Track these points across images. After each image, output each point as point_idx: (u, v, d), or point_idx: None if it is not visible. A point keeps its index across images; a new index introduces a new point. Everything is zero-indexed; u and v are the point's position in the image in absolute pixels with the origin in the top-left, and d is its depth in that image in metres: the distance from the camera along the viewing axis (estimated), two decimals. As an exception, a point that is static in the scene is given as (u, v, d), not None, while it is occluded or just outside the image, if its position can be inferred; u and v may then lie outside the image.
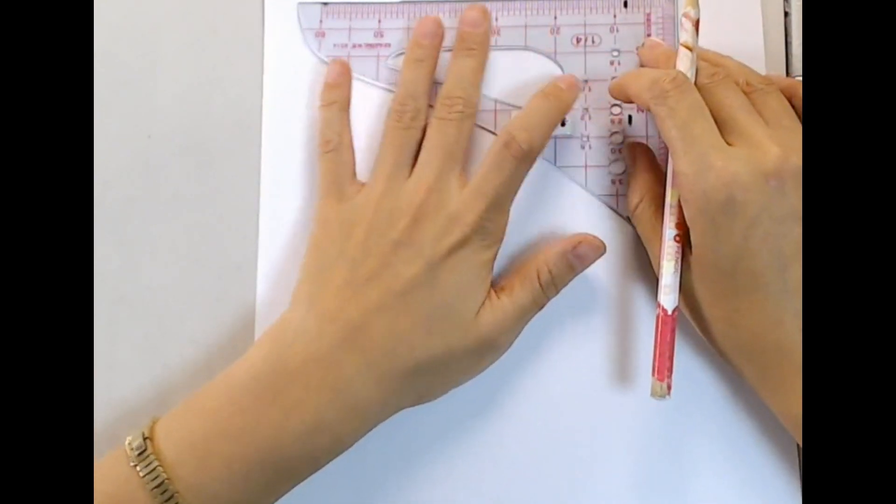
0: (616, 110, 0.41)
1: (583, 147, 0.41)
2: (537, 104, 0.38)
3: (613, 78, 0.41)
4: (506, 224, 0.37)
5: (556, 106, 0.38)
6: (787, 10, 0.42)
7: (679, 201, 0.36)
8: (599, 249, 0.38)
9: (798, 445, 0.38)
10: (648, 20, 0.42)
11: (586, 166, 0.41)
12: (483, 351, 0.37)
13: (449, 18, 0.42)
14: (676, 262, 0.36)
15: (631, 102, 0.39)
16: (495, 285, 0.38)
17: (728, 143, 0.35)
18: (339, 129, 0.40)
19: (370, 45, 0.42)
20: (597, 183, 0.41)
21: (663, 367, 0.36)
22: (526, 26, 0.42)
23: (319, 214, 0.39)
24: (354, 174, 0.40)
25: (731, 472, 0.39)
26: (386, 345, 0.35)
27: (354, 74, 0.42)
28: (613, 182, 0.41)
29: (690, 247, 0.36)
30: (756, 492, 0.38)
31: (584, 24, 0.42)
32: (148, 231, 0.42)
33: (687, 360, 0.39)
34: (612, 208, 0.41)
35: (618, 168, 0.41)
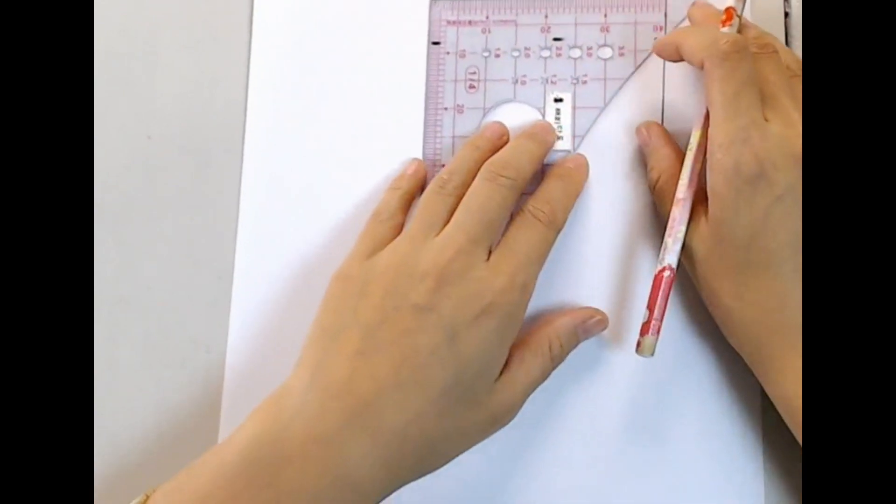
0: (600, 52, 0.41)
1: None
2: (554, 183, 0.38)
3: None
4: (529, 298, 0.36)
5: (572, 184, 0.39)
6: (787, 10, 0.42)
7: (699, 168, 0.37)
8: (604, 323, 0.38)
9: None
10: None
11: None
12: (493, 423, 0.35)
13: (502, 14, 0.42)
14: (684, 226, 0.37)
15: (677, 60, 0.39)
16: None
17: (764, 117, 0.35)
18: (393, 210, 0.39)
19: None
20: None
21: (658, 324, 0.36)
22: (576, 23, 0.42)
23: (341, 270, 0.37)
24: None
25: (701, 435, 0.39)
26: (397, 426, 0.32)
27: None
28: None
29: (707, 216, 0.36)
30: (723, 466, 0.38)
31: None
32: (148, 231, 0.42)
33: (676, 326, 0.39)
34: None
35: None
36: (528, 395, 0.36)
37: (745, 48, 0.35)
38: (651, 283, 0.37)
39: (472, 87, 0.42)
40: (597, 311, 0.38)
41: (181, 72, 0.43)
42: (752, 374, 0.37)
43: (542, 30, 0.42)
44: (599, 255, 0.40)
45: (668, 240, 0.37)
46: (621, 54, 0.42)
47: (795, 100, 0.36)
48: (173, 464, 0.33)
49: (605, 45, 0.42)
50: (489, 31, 0.42)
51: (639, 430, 0.39)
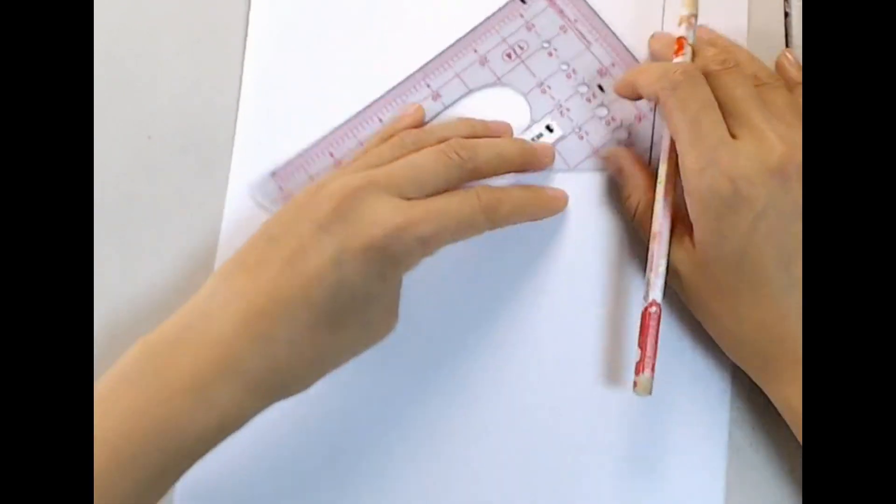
0: (584, 89, 0.42)
1: (581, 137, 0.41)
2: (517, 189, 0.38)
3: (563, 67, 0.41)
4: (427, 253, 0.35)
5: (534, 198, 0.39)
6: (787, 10, 0.42)
7: (672, 200, 0.37)
8: (562, 203, 0.39)
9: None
10: (552, 1, 0.42)
11: (595, 150, 0.41)
12: (378, 334, 0.36)
13: (391, 110, 0.42)
14: (664, 260, 0.37)
15: (637, 98, 0.39)
16: None
17: (733, 134, 0.35)
18: (368, 146, 0.39)
19: None
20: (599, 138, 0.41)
21: (652, 361, 0.36)
22: (457, 74, 0.42)
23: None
24: None
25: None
26: (287, 339, 0.33)
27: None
28: (619, 143, 0.41)
29: (692, 241, 0.36)
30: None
31: (504, 40, 0.42)
32: (148, 231, 0.42)
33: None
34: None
35: (622, 134, 0.41)
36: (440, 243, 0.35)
37: (695, 75, 0.36)
38: (639, 321, 0.36)
39: (508, 55, 0.42)
40: (559, 190, 0.39)
41: (181, 72, 0.43)
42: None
43: (600, 72, 0.42)
44: (582, 289, 0.40)
45: (651, 275, 0.37)
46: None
47: (764, 110, 0.35)
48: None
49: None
50: (566, 32, 0.42)
51: (636, 464, 0.39)
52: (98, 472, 0.30)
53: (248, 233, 0.41)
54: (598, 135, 0.41)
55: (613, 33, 0.42)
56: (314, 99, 0.43)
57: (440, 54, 0.42)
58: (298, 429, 0.39)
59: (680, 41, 0.39)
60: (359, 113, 0.42)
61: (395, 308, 0.36)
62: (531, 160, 0.39)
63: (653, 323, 0.36)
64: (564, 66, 0.42)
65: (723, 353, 0.39)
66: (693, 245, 0.36)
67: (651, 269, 0.37)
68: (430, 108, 0.42)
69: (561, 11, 0.42)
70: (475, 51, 0.42)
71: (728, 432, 0.39)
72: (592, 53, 0.42)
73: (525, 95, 0.42)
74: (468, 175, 0.36)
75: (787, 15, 0.42)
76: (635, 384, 0.36)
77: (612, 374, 0.39)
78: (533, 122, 0.41)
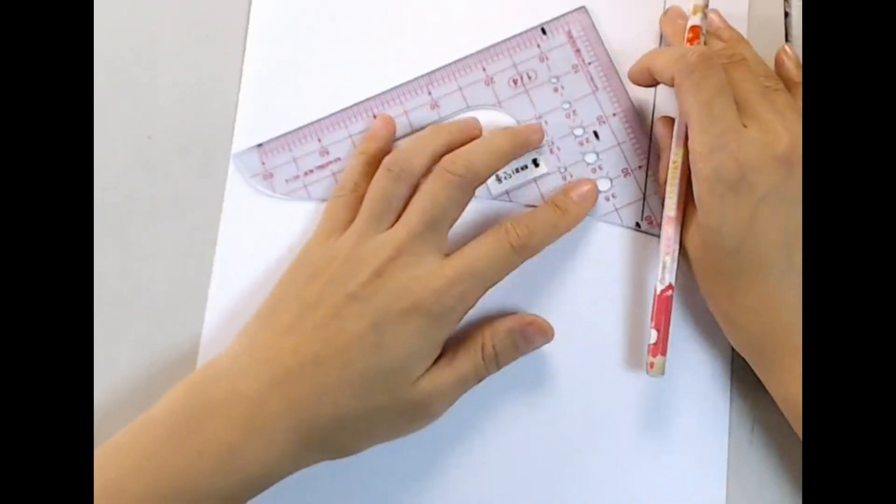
0: (579, 132, 0.41)
1: (564, 178, 0.41)
2: (544, 211, 0.38)
3: (565, 106, 0.41)
4: (467, 309, 0.36)
5: (563, 218, 0.38)
6: (787, 10, 0.42)
7: (685, 184, 0.38)
8: (547, 335, 0.38)
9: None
10: (571, 37, 0.42)
11: None
12: (415, 417, 0.36)
13: (387, 109, 0.42)
14: (678, 244, 0.37)
15: (650, 85, 0.39)
16: None
17: (740, 123, 0.35)
18: (357, 178, 0.39)
19: (321, 167, 0.42)
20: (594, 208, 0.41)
21: (666, 343, 0.36)
22: (460, 88, 0.42)
23: (302, 252, 0.38)
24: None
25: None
26: (311, 396, 0.34)
27: (315, 200, 0.41)
28: (607, 199, 0.41)
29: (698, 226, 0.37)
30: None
31: (514, 65, 0.42)
32: (148, 231, 0.42)
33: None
34: (616, 224, 0.41)
35: (604, 185, 0.41)
36: (456, 395, 0.36)
37: (712, 58, 0.36)
38: (654, 304, 0.37)
39: (515, 81, 0.42)
40: (538, 318, 0.38)
41: (181, 72, 0.43)
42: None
43: (599, 119, 0.42)
44: (592, 272, 0.40)
45: (666, 258, 0.37)
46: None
47: (770, 103, 0.36)
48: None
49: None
50: (577, 72, 0.42)
51: (636, 464, 0.39)
52: None
53: (247, 232, 0.41)
54: (580, 178, 0.41)
55: (622, 84, 0.41)
56: (314, 99, 0.42)
57: (448, 65, 0.42)
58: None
59: (695, 30, 0.39)
60: (353, 105, 0.42)
61: (442, 389, 0.36)
62: (522, 143, 0.40)
63: (668, 306, 0.37)
64: (566, 105, 0.42)
65: (723, 354, 0.39)
66: (697, 230, 0.37)
67: (667, 253, 0.37)
68: (426, 116, 0.42)
69: (578, 51, 0.42)
70: (483, 69, 0.42)
71: (728, 432, 0.39)
72: (597, 99, 0.42)
73: (521, 124, 0.42)
74: (472, 186, 0.37)
75: (787, 15, 0.42)
76: (651, 366, 0.36)
77: (629, 359, 0.40)
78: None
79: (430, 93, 0.42)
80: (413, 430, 0.36)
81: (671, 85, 0.37)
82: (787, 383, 0.35)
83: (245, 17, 0.44)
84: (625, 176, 0.41)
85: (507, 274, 0.36)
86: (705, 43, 0.39)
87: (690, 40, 0.39)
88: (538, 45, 0.42)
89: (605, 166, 0.41)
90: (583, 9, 0.42)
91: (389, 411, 0.35)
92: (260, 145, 0.42)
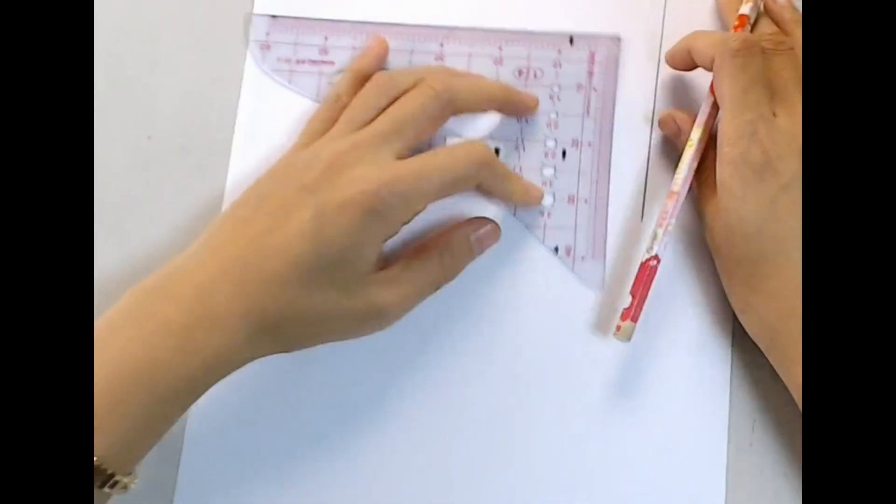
0: (551, 143, 0.41)
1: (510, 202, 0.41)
2: (476, 79, 0.40)
3: (552, 115, 0.42)
4: (412, 215, 0.36)
5: (500, 90, 0.40)
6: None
7: (696, 165, 0.38)
8: (496, 234, 0.40)
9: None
10: (592, 59, 0.42)
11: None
12: (367, 318, 0.36)
13: (396, 41, 0.42)
14: (675, 219, 0.38)
15: (686, 68, 0.40)
16: (390, 258, 0.37)
17: (772, 111, 0.36)
18: (343, 90, 0.40)
19: (314, 62, 0.42)
20: (526, 213, 0.41)
21: (638, 311, 0.37)
22: (470, 55, 0.42)
23: (281, 157, 0.38)
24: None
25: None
26: (259, 284, 0.34)
27: (295, 90, 0.42)
28: (542, 214, 0.41)
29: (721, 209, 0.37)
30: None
31: (528, 58, 0.42)
32: (148, 231, 0.42)
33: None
34: (538, 239, 0.41)
35: (546, 200, 0.41)
36: (411, 301, 0.37)
37: (754, 46, 0.37)
38: (637, 271, 0.38)
39: (520, 72, 0.42)
40: (487, 219, 0.39)
41: (181, 72, 0.43)
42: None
43: (574, 142, 0.42)
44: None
45: (659, 230, 0.38)
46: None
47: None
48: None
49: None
50: (579, 91, 0.42)
51: (637, 467, 0.39)
52: (95, 416, 0.31)
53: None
54: None
55: (612, 124, 0.42)
56: (314, 99, 0.43)
57: (469, 28, 0.43)
58: (299, 421, 0.39)
59: (742, 19, 0.40)
60: (367, 22, 0.43)
61: (396, 292, 0.36)
62: (514, 99, 0.40)
63: (649, 275, 0.37)
64: (553, 115, 0.42)
65: (722, 354, 0.39)
66: (719, 214, 0.37)
67: (660, 225, 0.38)
68: (429, 64, 0.42)
69: (591, 73, 0.42)
70: (500, 48, 0.42)
71: (728, 432, 0.39)
72: (583, 124, 0.42)
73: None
74: (446, 107, 0.38)
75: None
76: (618, 328, 0.37)
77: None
78: (489, 137, 0.42)
79: (441, 45, 0.42)
80: (366, 332, 0.37)
81: (708, 68, 0.38)
82: (798, 371, 0.35)
83: (245, 17, 0.43)
84: (569, 202, 0.41)
85: (461, 188, 0.37)
86: (754, 27, 0.40)
87: (736, 28, 0.39)
88: (559, 51, 0.42)
89: (556, 183, 0.41)
90: (618, 38, 0.42)
91: (338, 307, 0.35)
92: (274, 17, 0.43)
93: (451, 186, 0.36)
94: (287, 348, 0.36)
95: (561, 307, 0.40)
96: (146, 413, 0.32)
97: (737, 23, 0.40)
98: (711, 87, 0.39)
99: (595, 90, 0.42)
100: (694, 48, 0.39)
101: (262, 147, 0.42)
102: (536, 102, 0.41)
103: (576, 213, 0.41)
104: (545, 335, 0.40)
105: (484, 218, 0.40)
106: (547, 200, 0.41)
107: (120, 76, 0.43)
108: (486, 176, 0.37)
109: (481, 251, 0.39)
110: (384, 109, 0.38)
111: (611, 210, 0.41)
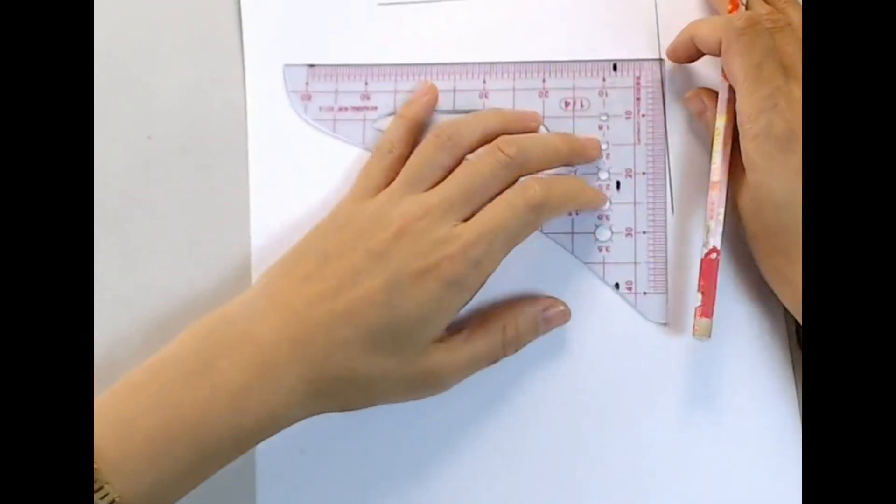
0: (604, 175, 0.41)
1: (570, 213, 0.41)
2: (562, 178, 0.39)
3: (603, 146, 0.41)
4: (486, 278, 0.36)
5: (583, 191, 0.39)
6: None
7: (729, 152, 0.38)
8: (566, 316, 0.39)
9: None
10: (638, 84, 0.42)
11: (573, 233, 0.40)
12: (424, 386, 0.36)
13: (438, 81, 0.42)
14: (723, 208, 0.38)
15: (690, 60, 0.40)
16: (452, 327, 0.36)
17: (786, 83, 0.36)
18: (396, 139, 0.39)
19: (357, 108, 0.42)
20: (584, 250, 0.40)
21: (712, 306, 0.37)
22: (514, 89, 0.42)
23: (335, 209, 0.38)
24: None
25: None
26: (322, 347, 0.34)
27: (340, 137, 0.42)
28: (600, 249, 0.40)
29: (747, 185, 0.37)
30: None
31: (573, 88, 0.42)
32: (148, 231, 0.42)
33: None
34: (598, 276, 0.40)
35: (603, 235, 0.40)
36: (467, 371, 0.37)
37: (759, 22, 0.37)
38: (700, 268, 0.37)
39: (567, 104, 0.42)
40: (558, 300, 0.39)
41: (181, 72, 0.43)
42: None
43: (627, 172, 0.41)
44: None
45: (710, 223, 0.38)
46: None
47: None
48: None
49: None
50: (628, 119, 0.41)
51: (697, 410, 0.39)
52: (131, 456, 0.31)
53: (246, 232, 0.41)
54: (585, 220, 0.41)
55: (666, 148, 0.41)
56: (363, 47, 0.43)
57: (511, 62, 0.42)
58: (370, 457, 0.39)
59: (734, 1, 0.40)
60: (408, 64, 0.42)
61: (454, 362, 0.36)
62: (580, 151, 0.40)
63: (713, 269, 0.37)
64: (604, 146, 0.41)
65: (782, 343, 0.39)
66: (749, 193, 0.37)
67: (711, 217, 0.38)
68: (473, 102, 0.42)
69: (638, 99, 0.41)
70: (543, 80, 0.42)
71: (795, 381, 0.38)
72: (635, 152, 0.41)
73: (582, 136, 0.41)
74: (517, 171, 0.37)
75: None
76: (695, 329, 0.37)
77: (673, 322, 0.39)
78: None
79: (484, 81, 0.42)
80: (420, 396, 0.36)
81: (715, 53, 0.38)
82: None
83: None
84: (626, 235, 0.40)
85: (527, 233, 0.36)
86: (748, 7, 0.40)
87: (730, 10, 0.40)
88: (604, 79, 0.42)
89: (613, 217, 0.40)
90: (661, 61, 0.42)
91: (397, 374, 0.35)
92: (312, 66, 0.42)
93: (515, 238, 0.36)
94: (340, 409, 0.36)
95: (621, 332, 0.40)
96: (186, 468, 0.32)
97: (730, 6, 0.40)
98: (723, 72, 0.39)
99: (644, 116, 0.41)
100: (697, 35, 0.39)
101: (279, 146, 0.42)
102: (600, 150, 0.41)
103: (634, 245, 0.40)
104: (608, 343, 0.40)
105: (555, 299, 0.39)
106: (604, 234, 0.40)
107: (120, 76, 0.43)
108: (547, 214, 0.37)
109: (547, 331, 0.39)
110: (447, 166, 0.37)
111: (669, 241, 0.40)
